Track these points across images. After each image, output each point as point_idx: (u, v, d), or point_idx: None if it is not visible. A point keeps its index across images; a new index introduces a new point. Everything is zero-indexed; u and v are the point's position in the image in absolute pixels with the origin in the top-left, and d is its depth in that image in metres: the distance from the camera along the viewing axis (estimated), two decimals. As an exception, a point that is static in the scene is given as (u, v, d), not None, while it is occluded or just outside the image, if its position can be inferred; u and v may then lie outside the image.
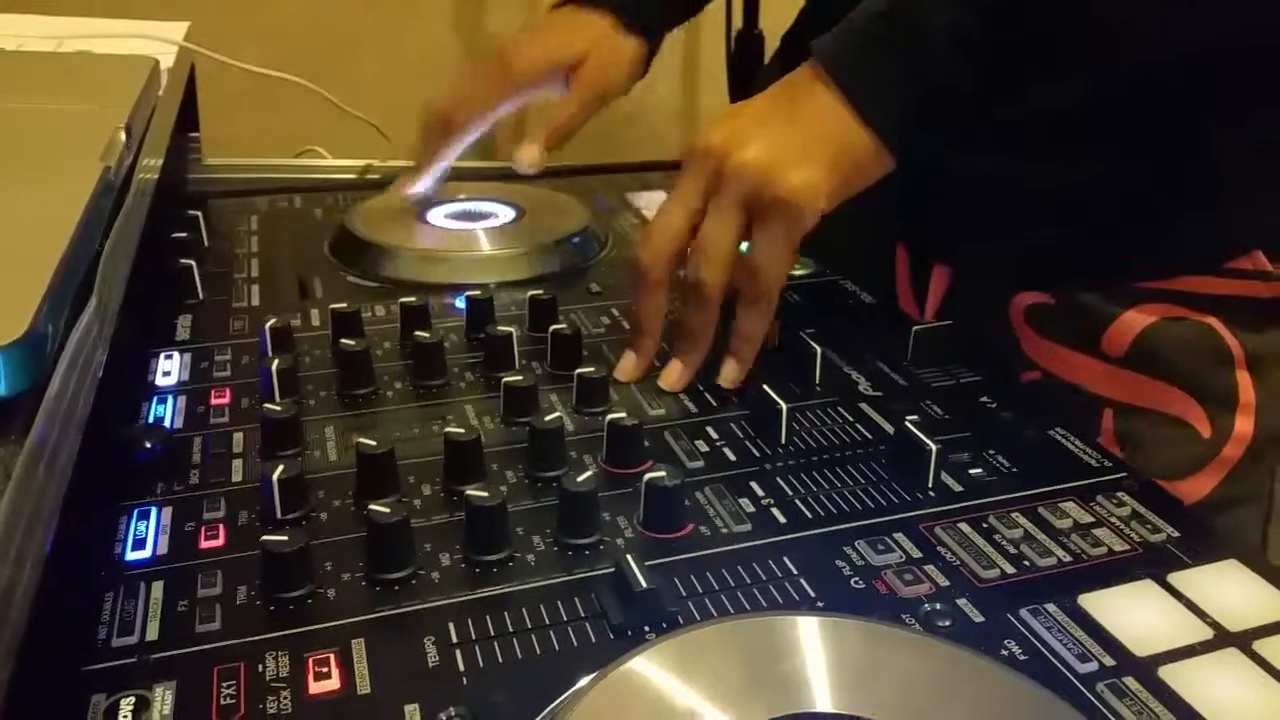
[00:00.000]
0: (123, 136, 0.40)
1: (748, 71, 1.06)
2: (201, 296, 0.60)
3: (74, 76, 0.54)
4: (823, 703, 0.28)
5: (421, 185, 0.71)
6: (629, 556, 0.36)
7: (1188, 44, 0.48)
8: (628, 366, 0.52)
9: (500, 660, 0.33)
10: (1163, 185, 0.53)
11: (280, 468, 0.39)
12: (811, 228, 0.48)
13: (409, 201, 0.71)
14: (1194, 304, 0.53)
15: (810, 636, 0.31)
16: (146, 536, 0.39)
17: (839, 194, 0.49)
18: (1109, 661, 0.33)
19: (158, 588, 0.36)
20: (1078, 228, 0.54)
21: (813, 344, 0.52)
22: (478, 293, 0.57)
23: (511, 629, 0.35)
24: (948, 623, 0.35)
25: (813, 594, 0.37)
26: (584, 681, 0.29)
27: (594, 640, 0.34)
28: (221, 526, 0.40)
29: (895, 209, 0.53)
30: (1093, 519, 0.41)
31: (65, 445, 0.31)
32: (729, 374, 0.50)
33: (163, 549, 0.38)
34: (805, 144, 0.48)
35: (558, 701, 0.29)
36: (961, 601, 0.36)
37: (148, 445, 0.43)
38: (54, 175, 0.37)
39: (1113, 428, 0.55)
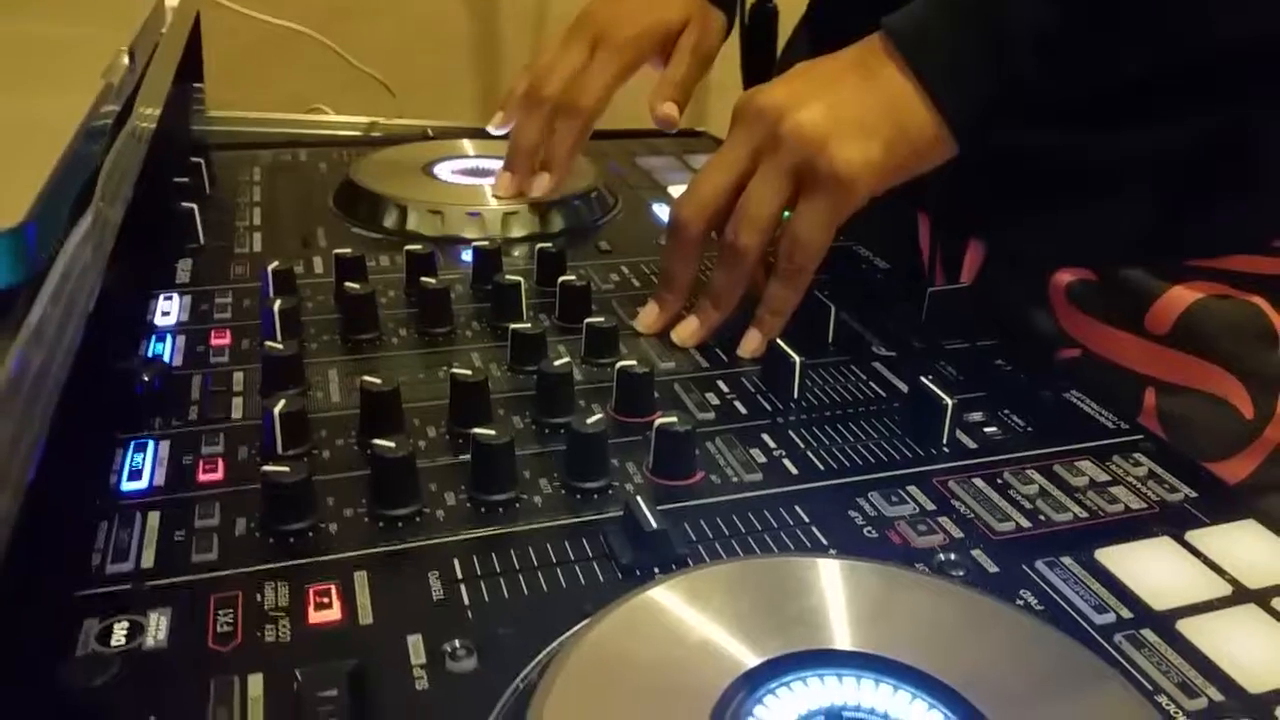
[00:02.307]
0: (125, 59, 0.39)
1: (761, 43, 1.05)
2: (202, 241, 0.59)
3: (77, 5, 0.52)
4: (840, 640, 0.28)
5: (554, 183, 0.64)
6: (638, 498, 0.35)
7: (1256, 27, 0.47)
8: (649, 318, 0.51)
9: (506, 596, 0.32)
10: (1216, 162, 0.51)
11: (282, 402, 0.38)
12: (859, 207, 0.47)
13: (536, 198, 0.64)
14: (1241, 283, 0.52)
15: (828, 577, 0.30)
16: (143, 468, 0.38)
17: (892, 176, 0.47)
18: (1126, 614, 0.33)
19: (153, 518, 0.35)
20: (1129, 203, 0.53)
21: (826, 301, 0.51)
22: (485, 244, 0.56)
23: (518, 567, 0.34)
24: (962, 572, 0.34)
25: (825, 542, 0.36)
26: (596, 613, 0.28)
27: (602, 579, 0.33)
28: (220, 461, 0.39)
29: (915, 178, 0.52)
30: (1109, 478, 0.40)
31: (53, 369, 0.30)
32: (750, 345, 0.49)
33: (159, 480, 0.38)
34: (866, 116, 0.46)
35: (572, 630, 0.29)
36: (976, 552, 0.35)
37: (145, 379, 0.42)
38: (55, 89, 0.36)
39: (1154, 406, 0.53)
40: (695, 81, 0.68)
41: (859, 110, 0.46)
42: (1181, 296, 0.52)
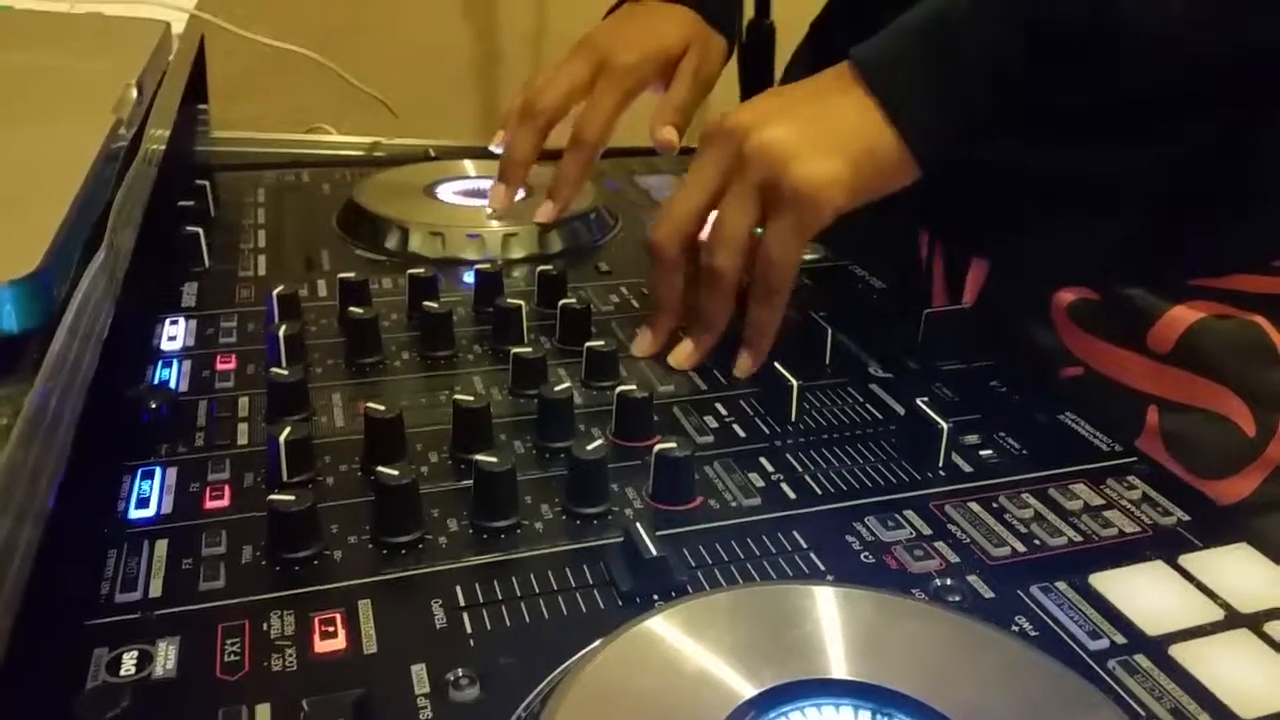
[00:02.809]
0: (134, 93, 0.40)
1: (759, 61, 1.05)
2: (208, 265, 0.60)
3: (87, 35, 0.53)
4: (837, 669, 0.28)
5: (558, 211, 0.65)
6: (638, 524, 0.36)
7: (1233, 48, 0.47)
8: (644, 343, 0.52)
9: (508, 624, 0.33)
10: (1217, 181, 0.52)
11: (287, 429, 0.39)
12: (827, 224, 0.48)
13: (539, 223, 0.65)
14: (1242, 302, 0.52)
15: (825, 606, 0.30)
16: (150, 496, 0.39)
17: (858, 194, 0.48)
18: (1120, 639, 0.33)
19: (161, 546, 0.36)
20: (1129, 222, 0.53)
21: (822, 323, 0.51)
22: (487, 266, 0.57)
23: (519, 594, 0.34)
24: (958, 598, 0.35)
25: (822, 567, 0.36)
26: (597, 643, 0.29)
27: (602, 607, 0.34)
28: (226, 488, 0.39)
29: (905, 196, 0.52)
30: (1103, 501, 0.41)
31: (70, 400, 0.31)
32: (743, 365, 0.50)
33: (166, 508, 0.38)
34: (830, 136, 0.47)
35: (571, 660, 0.29)
36: (972, 578, 0.36)
37: (152, 406, 0.43)
38: (66, 126, 0.36)
39: (1157, 424, 0.54)
40: (696, 105, 0.69)
41: (824, 129, 0.47)
42: (1183, 316, 0.53)
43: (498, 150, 0.69)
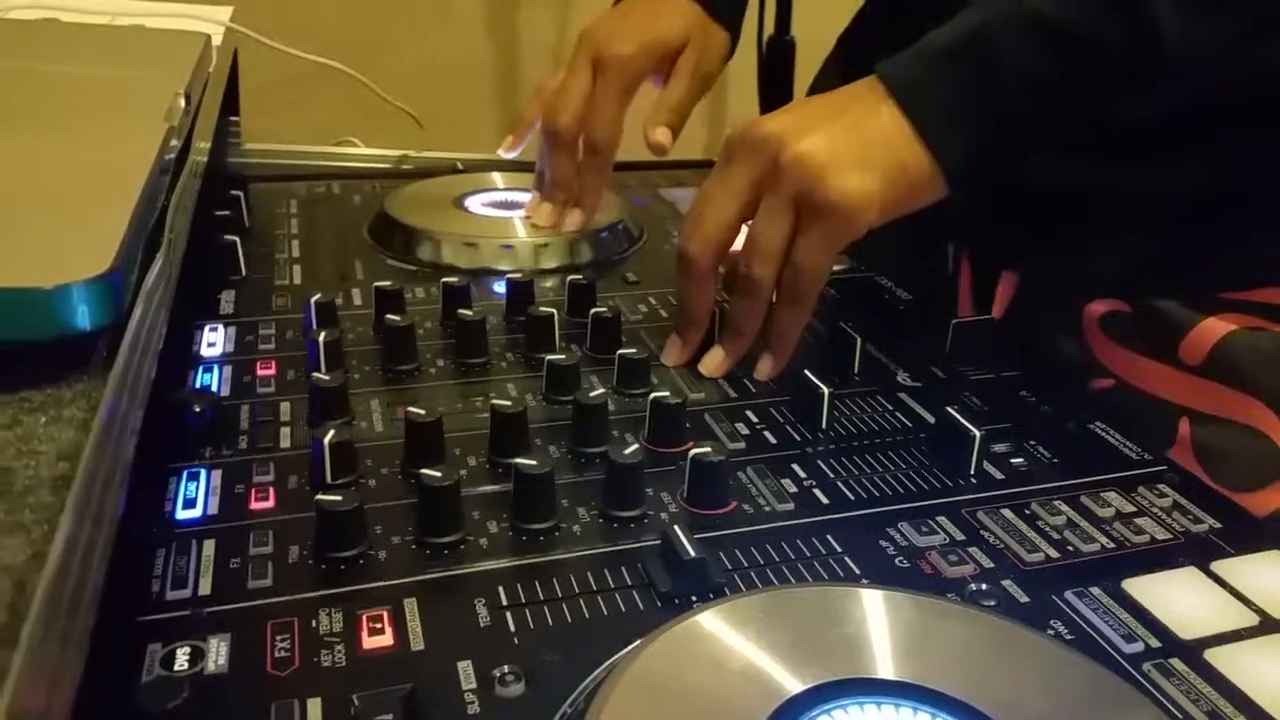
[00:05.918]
0: (182, 102, 0.41)
1: (778, 76, 1.07)
2: (244, 273, 0.61)
3: (132, 47, 0.54)
4: (880, 669, 0.28)
5: (587, 218, 0.67)
6: (676, 526, 0.36)
7: (1268, 66, 0.48)
8: (673, 352, 0.52)
9: (550, 623, 0.34)
10: (1246, 195, 0.52)
11: (331, 432, 0.40)
12: (859, 236, 0.48)
13: (569, 230, 0.66)
14: (1273, 314, 0.53)
15: (866, 607, 0.31)
16: (196, 497, 0.39)
17: (891, 209, 0.48)
18: (1155, 643, 0.33)
19: (209, 545, 0.37)
20: (1159, 236, 0.54)
21: (851, 332, 0.52)
22: (519, 275, 0.57)
23: (560, 594, 0.35)
24: (993, 602, 0.35)
25: (857, 571, 0.37)
26: (642, 639, 0.29)
27: (641, 608, 0.35)
28: (271, 489, 0.40)
29: (935, 209, 0.53)
30: (1135, 508, 0.41)
31: (133, 408, 0.32)
32: (764, 369, 0.51)
33: (213, 509, 0.39)
34: (864, 149, 0.47)
35: (615, 657, 0.30)
36: (1006, 582, 0.36)
37: (196, 410, 0.44)
38: (121, 133, 0.37)
39: (1189, 436, 0.54)
40: (693, 103, 0.68)
41: (858, 143, 0.47)
42: (1214, 328, 0.53)
43: (507, 155, 0.69)
